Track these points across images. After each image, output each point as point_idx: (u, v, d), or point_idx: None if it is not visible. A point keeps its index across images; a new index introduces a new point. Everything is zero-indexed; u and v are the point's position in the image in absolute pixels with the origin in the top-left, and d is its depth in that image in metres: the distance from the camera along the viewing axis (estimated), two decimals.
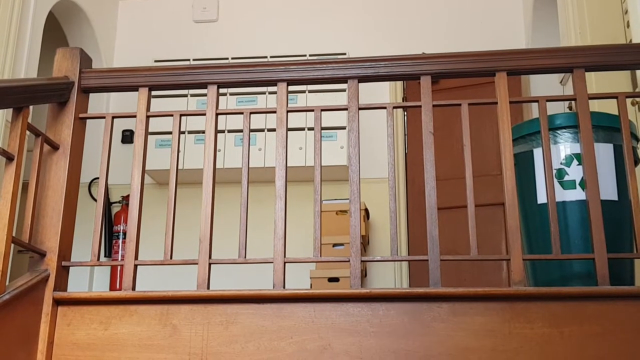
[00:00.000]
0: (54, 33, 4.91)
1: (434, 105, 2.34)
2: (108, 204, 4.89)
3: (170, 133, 4.51)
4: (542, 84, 4.27)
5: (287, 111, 2.42)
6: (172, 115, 2.47)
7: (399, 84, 4.97)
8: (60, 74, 2.45)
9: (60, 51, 2.51)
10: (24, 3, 3.99)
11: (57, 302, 2.20)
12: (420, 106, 2.35)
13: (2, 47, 3.79)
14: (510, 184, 2.21)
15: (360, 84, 2.42)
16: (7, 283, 2.03)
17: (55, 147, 2.35)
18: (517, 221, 2.18)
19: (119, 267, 4.47)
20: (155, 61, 4.92)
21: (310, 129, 4.55)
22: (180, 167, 2.52)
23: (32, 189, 2.22)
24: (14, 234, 2.07)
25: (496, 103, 2.30)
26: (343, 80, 2.46)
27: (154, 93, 2.51)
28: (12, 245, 2.07)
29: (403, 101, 4.89)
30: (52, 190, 2.31)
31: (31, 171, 2.25)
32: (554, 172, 2.35)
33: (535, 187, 2.47)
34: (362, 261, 2.22)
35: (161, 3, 5.51)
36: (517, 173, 2.27)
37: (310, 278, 4.02)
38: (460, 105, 2.34)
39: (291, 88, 2.52)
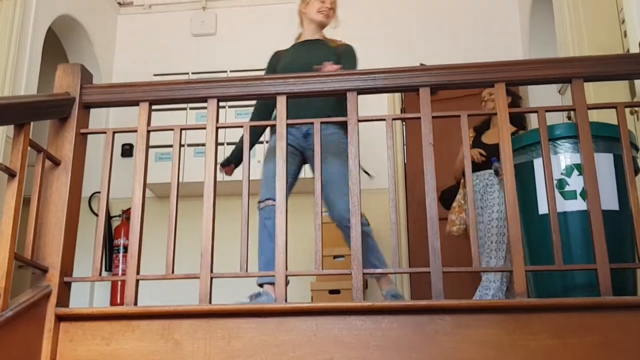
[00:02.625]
0: (53, 48, 4.93)
1: (433, 117, 2.34)
2: (108, 217, 4.88)
3: (169, 146, 4.53)
4: (540, 94, 4.29)
5: (287, 125, 2.42)
6: (172, 130, 2.48)
7: (397, 94, 4.98)
8: (61, 90, 2.45)
9: (61, 67, 2.51)
10: (24, 19, 4.01)
11: (59, 318, 2.20)
12: (419, 117, 2.36)
13: (2, 63, 3.81)
14: (512, 195, 2.21)
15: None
16: (9, 300, 2.02)
17: (56, 163, 2.36)
18: (519, 232, 2.18)
19: (119, 282, 4.46)
20: (155, 75, 4.93)
21: None
22: (180, 180, 2.52)
23: (34, 205, 2.22)
24: (15, 250, 2.07)
25: (495, 114, 2.31)
26: (342, 92, 2.46)
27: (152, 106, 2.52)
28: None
29: (402, 112, 4.91)
30: (53, 206, 2.31)
31: (33, 187, 2.24)
32: (555, 182, 2.36)
33: (536, 197, 2.47)
34: (363, 274, 2.21)
35: (160, 17, 5.53)
36: (518, 184, 2.27)
37: (311, 290, 4.01)
38: (459, 116, 2.35)
39: None
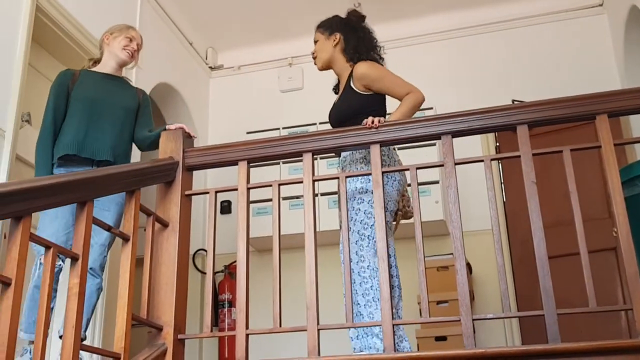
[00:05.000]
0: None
1: (533, 154, 2.28)
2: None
3: (266, 201, 4.65)
4: None
5: (382, 172, 2.43)
6: (270, 186, 2.54)
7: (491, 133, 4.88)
8: (165, 155, 2.59)
9: (164, 134, 2.66)
10: None
11: None
12: (519, 156, 2.31)
13: None
14: (625, 229, 2.10)
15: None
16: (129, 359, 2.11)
17: (165, 225, 2.47)
18: (635, 268, 2.07)
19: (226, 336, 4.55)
20: (248, 132, 5.09)
21: None
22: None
23: (147, 267, 2.33)
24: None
25: (599, 147, 2.23)
26: (437, 137, 2.46)
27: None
28: None
29: (496, 150, 4.80)
30: (165, 266, 2.41)
31: (145, 250, 2.35)
32: None
33: None
34: (473, 320, 2.15)
35: (248, 77, 5.74)
36: (630, 217, 2.16)
37: (417, 338, 3.92)
38: (561, 152, 2.28)
39: None
